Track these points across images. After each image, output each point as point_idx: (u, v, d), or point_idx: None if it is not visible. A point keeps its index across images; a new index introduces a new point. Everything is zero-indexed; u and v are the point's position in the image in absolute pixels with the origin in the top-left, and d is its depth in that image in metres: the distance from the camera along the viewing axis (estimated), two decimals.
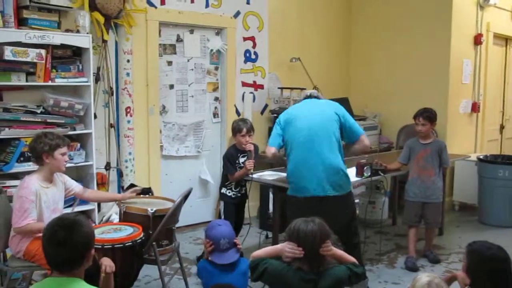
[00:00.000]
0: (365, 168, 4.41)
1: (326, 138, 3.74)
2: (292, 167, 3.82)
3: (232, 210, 4.62)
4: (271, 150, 3.93)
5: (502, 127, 7.96)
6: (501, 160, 6.35)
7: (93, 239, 2.26)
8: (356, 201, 6.41)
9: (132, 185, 4.84)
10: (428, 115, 4.77)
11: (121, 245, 3.34)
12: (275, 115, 6.19)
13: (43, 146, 3.43)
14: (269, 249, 2.91)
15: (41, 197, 3.41)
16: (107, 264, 2.90)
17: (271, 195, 5.32)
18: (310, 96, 4.04)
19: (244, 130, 4.54)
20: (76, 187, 3.81)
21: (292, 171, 3.83)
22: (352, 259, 2.85)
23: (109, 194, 4.74)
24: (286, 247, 2.71)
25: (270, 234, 5.22)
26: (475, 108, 6.97)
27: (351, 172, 4.35)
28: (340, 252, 2.83)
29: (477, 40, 6.87)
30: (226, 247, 3.24)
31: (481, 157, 6.39)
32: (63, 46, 4.35)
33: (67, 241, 2.12)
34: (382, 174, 4.68)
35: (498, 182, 6.04)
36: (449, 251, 5.18)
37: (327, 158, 3.71)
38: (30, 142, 3.55)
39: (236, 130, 4.57)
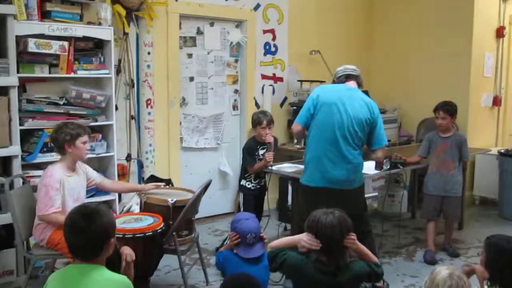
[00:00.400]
0: (384, 161, 4.40)
1: (352, 140, 3.68)
2: (311, 156, 3.78)
3: (252, 202, 4.64)
4: (298, 127, 3.86)
5: None
6: None
7: (114, 229, 2.30)
8: (375, 194, 6.46)
9: (152, 176, 4.92)
10: (448, 108, 4.74)
11: (142, 235, 3.39)
12: (295, 107, 6.21)
13: (64, 136, 3.50)
14: (286, 240, 2.92)
15: (64, 185, 3.48)
16: (127, 253, 2.95)
17: (290, 188, 5.33)
18: (349, 77, 3.92)
19: (265, 122, 4.56)
20: (97, 177, 3.88)
21: (310, 159, 3.79)
22: (375, 259, 2.84)
23: (129, 184, 4.81)
24: (304, 238, 2.72)
25: (288, 226, 5.24)
26: (496, 101, 6.90)
27: (371, 165, 4.35)
28: (365, 249, 2.81)
29: (500, 33, 6.79)
30: (252, 242, 3.26)
31: (502, 151, 6.32)
32: (85, 39, 4.40)
33: (87, 229, 2.17)
34: (401, 167, 4.67)
35: None
36: (468, 245, 5.15)
37: (348, 156, 3.68)
38: (52, 132, 3.61)
39: (256, 122, 4.59)
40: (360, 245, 2.79)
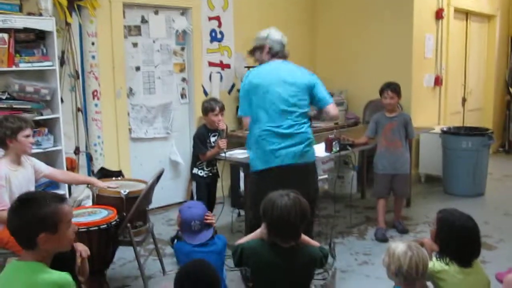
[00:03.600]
0: (333, 143, 4.49)
1: (296, 111, 3.67)
2: (257, 137, 3.71)
3: (204, 189, 4.65)
4: (247, 119, 3.79)
5: (464, 100, 8.17)
6: (464, 132, 6.54)
7: (49, 223, 2.11)
8: (325, 176, 6.56)
9: (102, 169, 4.84)
10: (395, 87, 4.88)
11: (96, 228, 3.35)
12: None
13: (5, 131, 3.40)
14: (250, 236, 2.89)
15: (11, 181, 3.39)
16: (81, 249, 2.88)
17: (241, 174, 5.35)
18: (278, 54, 3.80)
19: (217, 109, 4.56)
20: (45, 168, 3.78)
21: (256, 141, 3.72)
22: (317, 244, 2.87)
23: (80, 176, 4.70)
24: (263, 229, 2.73)
25: (242, 212, 5.28)
26: (438, 81, 7.12)
27: (320, 147, 4.43)
28: (305, 237, 2.81)
29: (439, 14, 7.00)
30: (197, 228, 3.29)
31: (444, 129, 6.55)
32: (26, 30, 4.27)
33: (20, 214, 2.12)
34: (350, 148, 4.76)
35: (461, 153, 6.22)
36: (416, 221, 5.34)
37: (296, 130, 3.67)
38: None
39: (208, 109, 4.58)
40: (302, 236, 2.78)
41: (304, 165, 3.73)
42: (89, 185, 4.15)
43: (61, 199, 2.25)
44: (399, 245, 2.47)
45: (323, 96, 3.80)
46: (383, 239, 4.77)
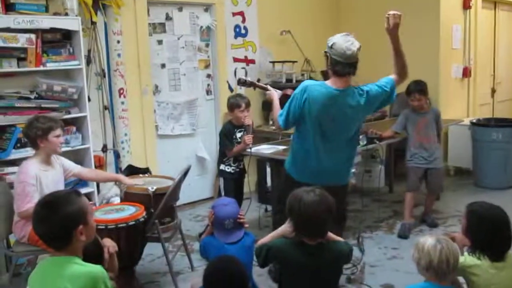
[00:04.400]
0: (360, 137, 4.45)
1: (348, 136, 3.49)
2: (304, 151, 3.49)
3: (232, 185, 4.66)
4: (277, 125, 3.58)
5: (493, 91, 8.01)
6: (494, 123, 6.42)
7: (81, 215, 2.19)
8: (353, 170, 6.51)
9: (130, 166, 4.87)
10: (421, 89, 4.86)
11: (125, 225, 3.38)
12: None
13: (36, 131, 3.45)
14: (271, 235, 2.87)
15: (41, 180, 3.44)
16: (109, 245, 2.92)
17: (268, 169, 5.35)
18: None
19: (243, 105, 4.57)
20: (74, 167, 3.84)
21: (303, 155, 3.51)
22: (341, 239, 2.84)
23: (107, 173, 4.75)
24: (287, 226, 2.71)
25: (269, 208, 5.27)
26: (466, 72, 7.00)
27: None
28: (331, 234, 2.76)
29: (466, 4, 6.87)
30: (230, 227, 3.27)
31: (474, 121, 6.44)
32: (52, 30, 4.31)
33: (48, 218, 2.14)
34: (377, 142, 4.72)
35: (491, 145, 6.10)
36: (446, 215, 5.26)
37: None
38: (24, 128, 3.58)
39: (234, 105, 4.58)
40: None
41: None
42: (117, 183, 4.19)
43: (78, 192, 2.31)
44: (428, 239, 2.42)
45: None
46: (404, 236, 4.70)
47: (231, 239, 3.24)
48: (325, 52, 3.46)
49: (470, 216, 2.63)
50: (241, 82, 4.09)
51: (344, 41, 3.42)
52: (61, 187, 3.65)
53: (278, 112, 3.56)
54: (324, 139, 3.41)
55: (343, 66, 3.38)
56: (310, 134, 3.41)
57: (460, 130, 6.52)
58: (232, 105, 4.60)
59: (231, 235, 3.24)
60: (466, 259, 2.55)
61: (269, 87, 3.93)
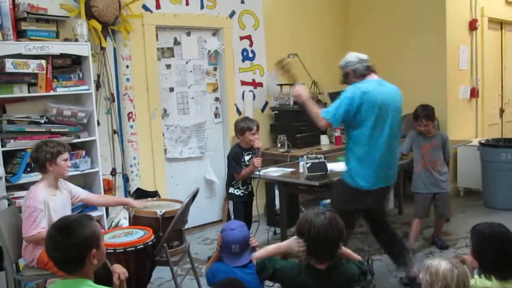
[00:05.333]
0: None
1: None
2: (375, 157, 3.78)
3: (241, 208, 4.66)
4: (323, 122, 3.82)
5: (502, 111, 8.00)
6: (503, 144, 6.38)
7: (96, 239, 2.22)
8: None
9: (138, 190, 4.90)
10: (428, 114, 4.83)
11: (133, 248, 3.38)
12: (276, 111, 6.26)
13: (45, 155, 3.49)
14: (273, 248, 2.85)
15: (49, 205, 3.46)
16: (119, 271, 2.91)
17: (276, 192, 5.35)
18: (369, 69, 4.08)
19: (254, 128, 4.60)
20: (82, 193, 3.86)
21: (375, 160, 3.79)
22: (359, 258, 2.81)
23: (115, 197, 4.80)
24: (294, 243, 2.69)
25: (278, 230, 5.25)
26: (474, 93, 7.00)
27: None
28: (347, 250, 2.78)
29: (472, 25, 6.90)
30: (237, 251, 3.26)
31: (482, 141, 6.42)
32: (62, 56, 4.38)
33: (64, 243, 2.14)
34: None
35: (501, 165, 6.07)
36: (456, 237, 5.22)
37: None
38: (32, 152, 3.60)
39: (245, 128, 4.60)
40: (344, 249, 2.75)
41: None
42: (125, 206, 4.20)
43: (89, 216, 2.34)
44: (441, 263, 2.34)
45: None
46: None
47: (238, 263, 3.22)
48: (343, 70, 4.04)
49: (475, 237, 2.63)
50: (280, 63, 4.21)
51: (352, 54, 4.09)
52: (68, 212, 3.66)
53: (316, 108, 3.89)
54: (391, 135, 3.83)
55: (365, 65, 4.08)
56: (377, 134, 3.77)
57: (469, 151, 6.50)
58: (243, 128, 4.62)
59: (239, 259, 3.23)
60: (477, 281, 2.52)
61: (300, 81, 4.21)
